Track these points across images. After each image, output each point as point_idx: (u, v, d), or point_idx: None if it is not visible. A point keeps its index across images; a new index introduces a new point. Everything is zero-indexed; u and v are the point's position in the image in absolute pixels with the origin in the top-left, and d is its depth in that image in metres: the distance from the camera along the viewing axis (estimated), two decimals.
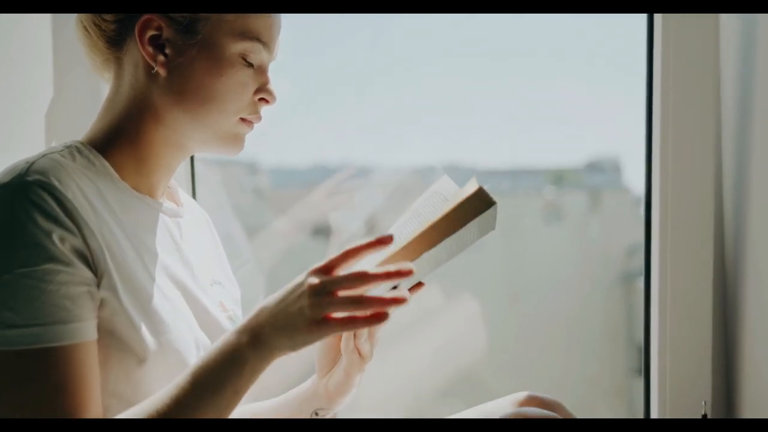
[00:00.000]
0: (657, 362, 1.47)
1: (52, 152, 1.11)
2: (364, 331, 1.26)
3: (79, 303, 1.03)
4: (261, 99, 1.20)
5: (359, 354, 1.28)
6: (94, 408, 1.04)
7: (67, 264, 1.03)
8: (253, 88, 1.19)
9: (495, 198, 1.12)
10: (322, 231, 2.24)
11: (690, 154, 1.52)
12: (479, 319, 1.97)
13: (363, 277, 1.00)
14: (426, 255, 1.12)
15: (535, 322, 2.22)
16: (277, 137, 2.14)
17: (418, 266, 1.13)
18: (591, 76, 2.28)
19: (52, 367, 1.01)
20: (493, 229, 1.21)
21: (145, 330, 1.09)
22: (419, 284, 1.27)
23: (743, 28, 1.53)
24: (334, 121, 2.29)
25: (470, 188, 1.12)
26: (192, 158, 1.69)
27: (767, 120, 1.45)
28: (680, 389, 1.48)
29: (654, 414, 1.52)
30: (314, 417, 1.36)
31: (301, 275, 1.03)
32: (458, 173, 2.39)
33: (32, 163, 1.07)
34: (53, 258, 1.02)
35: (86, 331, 1.04)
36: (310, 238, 2.20)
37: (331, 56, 2.24)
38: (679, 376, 1.48)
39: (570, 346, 2.26)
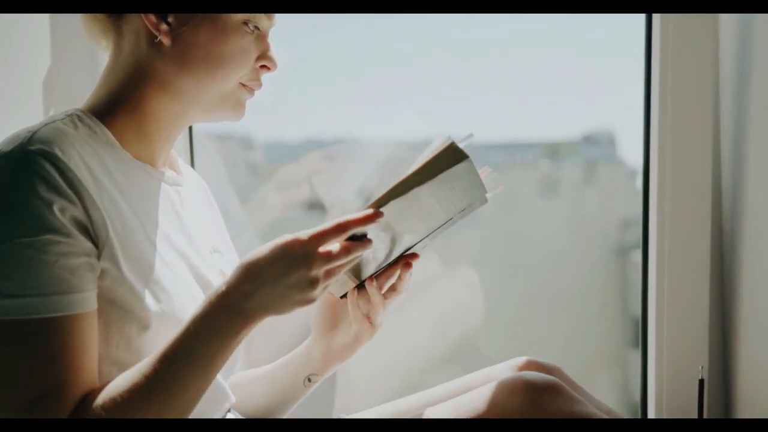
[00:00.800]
0: (654, 329, 1.48)
1: (53, 121, 1.10)
2: (379, 303, 1.27)
3: (78, 274, 1.03)
4: (262, 66, 1.21)
5: (369, 323, 1.29)
6: (90, 378, 1.03)
7: (67, 235, 1.02)
8: (254, 55, 1.19)
9: (467, 155, 1.11)
10: (317, 206, 2.24)
11: (688, 128, 1.53)
12: (476, 291, 1.98)
13: (343, 227, 1.04)
14: (396, 205, 1.11)
15: (530, 295, 2.22)
16: (272, 112, 2.14)
17: (395, 221, 1.13)
18: (586, 49, 2.27)
19: (48, 338, 1.00)
20: (485, 200, 1.21)
21: (147, 298, 1.08)
22: (413, 255, 1.28)
23: None
24: (328, 95, 2.28)
25: (442, 144, 1.12)
26: (190, 130, 1.68)
27: (766, 90, 1.45)
28: (677, 355, 1.49)
29: (651, 380, 1.52)
30: (306, 384, 1.37)
31: (291, 244, 1.03)
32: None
33: (34, 132, 1.06)
34: (53, 229, 1.01)
35: (85, 302, 1.04)
36: (305, 213, 2.19)
37: (325, 30, 2.23)
38: (677, 341, 1.49)
39: (565, 318, 2.26)
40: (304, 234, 1.04)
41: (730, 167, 1.55)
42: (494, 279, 2.19)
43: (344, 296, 1.31)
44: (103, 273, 1.07)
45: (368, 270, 1.25)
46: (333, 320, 1.36)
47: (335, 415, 1.39)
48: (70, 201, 1.03)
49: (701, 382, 1.42)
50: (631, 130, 2.38)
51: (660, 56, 1.51)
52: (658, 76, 1.52)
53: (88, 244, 1.05)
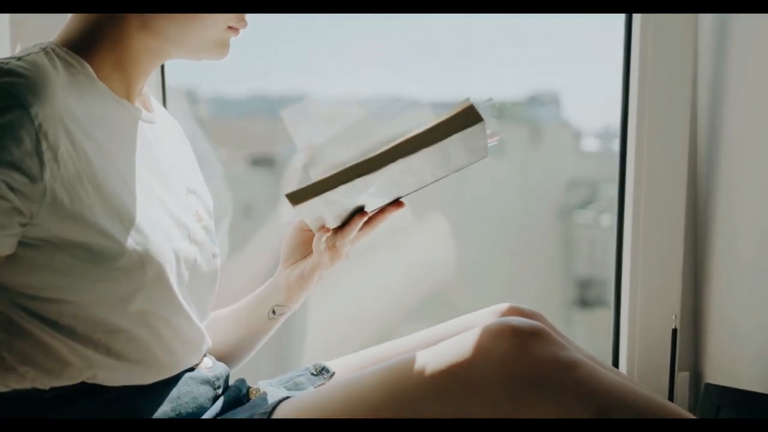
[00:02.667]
0: (628, 280, 1.50)
1: (28, 54, 1.05)
2: (351, 234, 1.26)
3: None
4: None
5: (331, 253, 1.28)
6: None
7: (19, 177, 0.97)
8: None
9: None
10: (263, 161, 2.21)
11: (666, 90, 1.54)
12: (423, 249, 1.97)
13: None
14: (403, 162, 1.12)
15: (477, 253, 2.23)
16: (216, 66, 2.09)
17: (393, 173, 1.13)
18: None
19: None
20: (486, 155, 1.23)
21: (120, 239, 1.04)
22: (398, 203, 1.28)
23: None
24: (276, 51, 2.24)
25: (462, 105, 1.14)
26: (162, 68, 1.64)
27: (741, 62, 1.47)
28: (651, 306, 1.51)
29: (624, 330, 1.54)
30: (270, 317, 1.36)
31: None
32: (401, 106, 2.38)
33: (6, 64, 1.01)
34: (10, 164, 0.97)
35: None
36: (250, 168, 2.16)
37: None
38: (650, 292, 1.51)
39: (510, 278, 2.28)
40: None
41: (705, 123, 1.58)
42: (440, 236, 2.19)
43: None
44: (76, 217, 1.03)
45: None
46: (299, 250, 1.36)
47: (305, 363, 1.38)
48: (36, 142, 0.99)
49: (674, 331, 1.44)
50: (576, 92, 2.41)
51: (639, 55, 1.52)
52: (637, 75, 1.53)
53: (14, 199, 1.00)
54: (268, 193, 2.10)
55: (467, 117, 1.12)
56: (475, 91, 2.56)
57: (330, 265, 1.32)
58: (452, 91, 2.38)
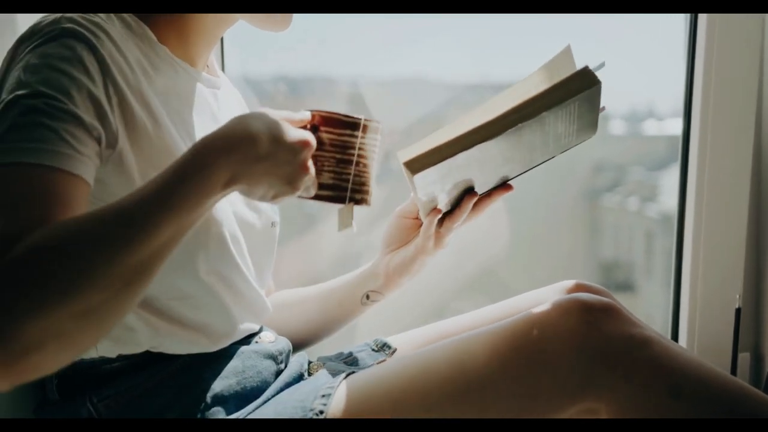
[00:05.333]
0: (690, 258, 1.47)
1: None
2: (461, 218, 1.23)
3: (77, 137, 0.94)
4: None
5: (437, 239, 1.26)
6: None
7: (78, 107, 0.94)
8: None
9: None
10: None
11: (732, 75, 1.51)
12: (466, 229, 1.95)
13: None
14: (524, 128, 1.09)
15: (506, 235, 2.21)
16: (244, 48, 2.06)
17: (511, 143, 1.10)
18: None
19: (25, 184, 0.89)
20: (594, 131, 1.20)
21: None
22: (507, 186, 1.25)
23: None
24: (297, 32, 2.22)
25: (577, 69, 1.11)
26: (222, 41, 1.61)
27: None
28: (713, 284, 1.48)
29: (684, 309, 1.52)
30: (364, 301, 1.33)
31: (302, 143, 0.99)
32: (427, 86, 2.35)
33: (66, 15, 0.99)
34: (73, 96, 0.94)
35: (76, 164, 0.93)
36: None
37: None
38: (712, 270, 1.49)
39: (537, 260, 2.26)
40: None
41: None
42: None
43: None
44: (114, 168, 1.00)
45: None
46: (401, 237, 1.33)
47: (357, 341, 1.36)
48: (91, 79, 0.96)
49: (738, 311, 1.42)
50: (603, 76, 2.39)
51: (705, 55, 1.49)
52: (702, 73, 1.50)
53: (98, 126, 0.96)
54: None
55: (585, 78, 1.10)
56: (499, 74, 2.54)
57: (433, 252, 1.29)
58: (477, 72, 2.36)
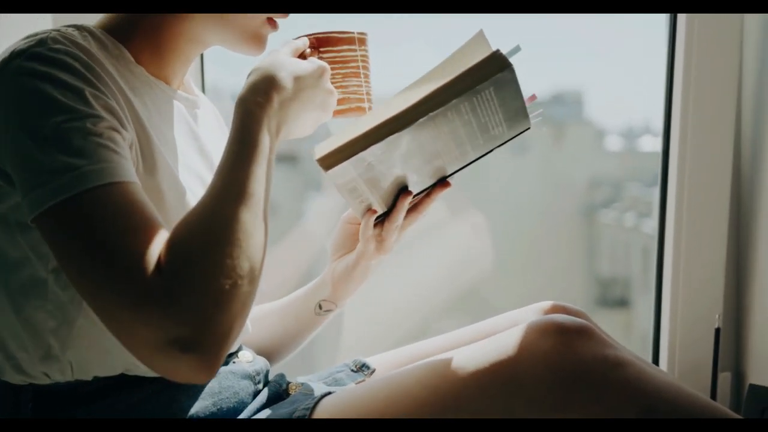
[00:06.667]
0: (670, 277, 1.47)
1: (58, 30, 1.04)
2: (398, 219, 1.22)
3: (121, 146, 0.96)
4: None
5: (378, 242, 1.25)
6: (161, 233, 0.94)
7: (102, 116, 0.96)
8: None
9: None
10: (286, 158, 2.20)
11: (710, 90, 1.51)
12: (456, 246, 1.96)
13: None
14: (436, 118, 1.08)
15: (498, 252, 2.21)
16: (240, 60, 2.07)
17: (429, 134, 1.10)
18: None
19: (114, 205, 0.92)
20: (528, 125, 1.17)
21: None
22: (445, 183, 1.24)
23: None
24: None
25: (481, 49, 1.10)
26: (202, 62, 1.62)
27: None
28: (693, 303, 1.48)
29: (664, 328, 1.52)
30: (317, 312, 1.33)
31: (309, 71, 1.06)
32: None
33: (45, 34, 1.00)
34: (91, 106, 0.95)
35: (132, 173, 0.97)
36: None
37: None
38: (692, 290, 1.48)
39: (532, 276, 2.26)
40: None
41: (750, 124, 1.56)
42: (463, 235, 2.17)
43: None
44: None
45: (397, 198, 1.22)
46: (347, 244, 1.33)
47: (340, 360, 1.36)
48: (98, 90, 0.97)
49: (717, 330, 1.42)
50: (598, 91, 2.40)
51: (684, 55, 1.49)
52: (681, 76, 1.50)
53: (119, 126, 0.99)
54: (292, 190, 2.08)
55: (495, 63, 1.05)
56: (533, 91, 2.56)
57: (375, 256, 1.28)
58: None
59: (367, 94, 1.17)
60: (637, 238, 2.50)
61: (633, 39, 2.19)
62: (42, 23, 1.46)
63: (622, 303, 2.42)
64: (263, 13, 1.14)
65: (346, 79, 1.16)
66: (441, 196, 1.31)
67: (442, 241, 1.74)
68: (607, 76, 2.01)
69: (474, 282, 1.83)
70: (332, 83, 1.14)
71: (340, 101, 1.15)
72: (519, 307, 1.39)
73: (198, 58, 1.48)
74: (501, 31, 2.05)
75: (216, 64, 1.74)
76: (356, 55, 1.16)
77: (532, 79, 2.04)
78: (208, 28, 1.12)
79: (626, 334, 1.97)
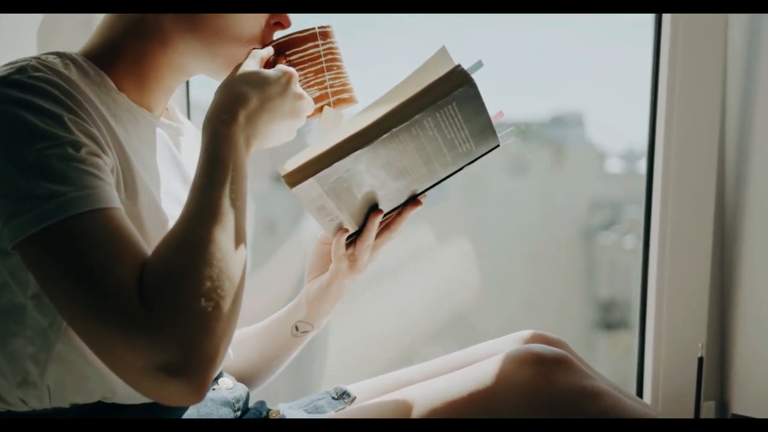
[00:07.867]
0: (654, 307, 1.47)
1: (39, 57, 1.05)
2: (369, 238, 1.23)
3: (104, 172, 0.98)
4: (276, 23, 1.18)
5: (350, 261, 1.26)
6: (142, 254, 0.95)
7: (83, 141, 0.97)
8: (267, 14, 1.16)
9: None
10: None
11: (695, 114, 1.52)
12: (445, 271, 1.96)
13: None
14: (400, 134, 1.09)
15: (499, 275, 2.21)
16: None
17: (393, 150, 1.10)
18: (560, 28, 2.26)
19: (99, 231, 0.93)
20: (496, 142, 1.18)
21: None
22: (416, 202, 1.25)
23: None
24: None
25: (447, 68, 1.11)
26: (187, 83, 1.64)
27: None
28: (676, 333, 1.48)
29: (648, 358, 1.52)
30: (294, 333, 1.34)
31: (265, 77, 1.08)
32: None
33: (26, 61, 1.01)
34: (71, 132, 0.96)
35: (115, 198, 0.98)
36: (274, 184, 2.16)
37: None
38: (676, 320, 1.49)
39: (531, 300, 2.26)
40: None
41: (734, 151, 1.56)
42: (462, 256, 2.17)
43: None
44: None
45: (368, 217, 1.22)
46: (322, 264, 1.35)
47: (325, 386, 1.36)
48: (78, 116, 0.98)
49: (700, 360, 1.42)
50: (599, 113, 2.39)
51: (669, 55, 1.50)
52: (666, 75, 1.50)
53: (100, 152, 1.00)
54: (292, 210, 2.09)
55: (456, 78, 1.07)
56: (499, 108, 2.56)
57: (349, 275, 1.29)
58: None
59: (342, 85, 1.18)
60: (637, 261, 2.49)
61: (634, 61, 2.19)
62: (28, 46, 1.48)
63: (621, 325, 2.41)
64: (248, 45, 1.15)
65: (319, 75, 1.17)
66: (430, 221, 1.32)
67: (429, 267, 1.74)
68: (608, 99, 2.01)
69: (463, 308, 1.83)
70: (306, 83, 1.16)
71: (318, 99, 1.16)
72: (510, 332, 1.40)
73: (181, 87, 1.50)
74: (501, 50, 2.06)
75: (200, 81, 1.76)
76: (320, 51, 1.17)
77: (533, 100, 2.05)
78: (192, 57, 1.14)
79: (626, 356, 1.96)
